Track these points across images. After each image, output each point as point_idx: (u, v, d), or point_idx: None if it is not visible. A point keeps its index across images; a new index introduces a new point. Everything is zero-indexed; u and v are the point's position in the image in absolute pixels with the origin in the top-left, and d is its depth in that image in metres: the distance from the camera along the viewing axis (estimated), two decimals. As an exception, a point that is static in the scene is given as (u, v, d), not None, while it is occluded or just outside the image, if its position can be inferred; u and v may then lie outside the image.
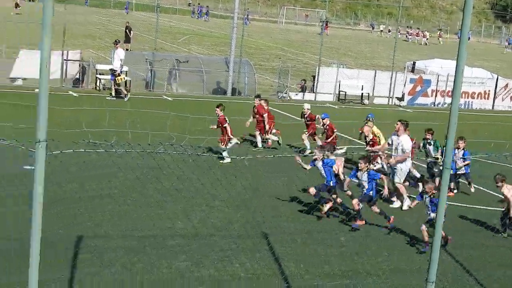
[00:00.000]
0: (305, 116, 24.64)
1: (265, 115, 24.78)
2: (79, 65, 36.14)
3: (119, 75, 32.99)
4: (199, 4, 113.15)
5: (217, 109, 22.53)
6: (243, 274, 13.84)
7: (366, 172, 17.20)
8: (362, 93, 40.87)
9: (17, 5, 78.86)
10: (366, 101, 40.67)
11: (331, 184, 17.61)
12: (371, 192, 17.26)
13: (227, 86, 38.34)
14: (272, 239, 15.76)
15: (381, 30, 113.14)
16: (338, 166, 17.85)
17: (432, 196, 15.88)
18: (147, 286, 12.93)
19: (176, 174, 19.14)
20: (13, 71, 35.07)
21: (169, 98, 34.25)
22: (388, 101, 42.06)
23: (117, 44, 34.06)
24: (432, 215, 15.61)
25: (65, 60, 35.11)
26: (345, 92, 40.62)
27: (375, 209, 17.41)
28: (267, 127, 24.72)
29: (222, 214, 17.34)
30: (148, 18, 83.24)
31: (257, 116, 24.86)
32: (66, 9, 77.00)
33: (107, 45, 50.83)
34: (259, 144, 24.91)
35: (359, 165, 17.32)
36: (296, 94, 40.28)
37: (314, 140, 24.36)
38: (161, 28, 46.21)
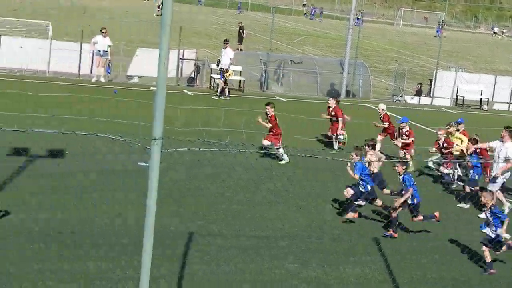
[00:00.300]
0: (380, 117, 23.79)
1: (340, 119, 24.06)
2: (194, 64, 36.56)
3: (227, 71, 33.07)
4: (312, 5, 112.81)
5: (268, 107, 22.10)
6: (353, 279, 13.59)
7: (402, 175, 16.32)
8: (481, 99, 39.69)
9: (159, 6, 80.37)
10: (485, 107, 39.48)
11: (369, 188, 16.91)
12: (415, 200, 16.29)
13: (341, 88, 37.98)
14: (383, 244, 15.40)
15: (495, 32, 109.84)
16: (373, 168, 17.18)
17: (492, 208, 14.53)
18: (259, 287, 12.85)
19: (286, 175, 19.06)
20: (130, 69, 35.82)
21: (283, 99, 34.18)
22: (509, 107, 40.70)
23: (226, 43, 34.25)
24: (498, 230, 14.44)
25: (180, 59, 35.58)
26: (463, 97, 39.54)
27: (419, 217, 16.42)
28: (339, 129, 24.11)
29: (331, 216, 17.10)
30: (264, 19, 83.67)
31: (333, 117, 24.24)
32: (181, 9, 78.12)
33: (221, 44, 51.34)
34: (335, 146, 24.29)
35: (397, 168, 16.45)
36: (412, 98, 39.52)
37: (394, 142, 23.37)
38: (276, 29, 46.33)
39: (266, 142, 21.58)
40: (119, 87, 32.16)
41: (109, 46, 33.53)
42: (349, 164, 16.73)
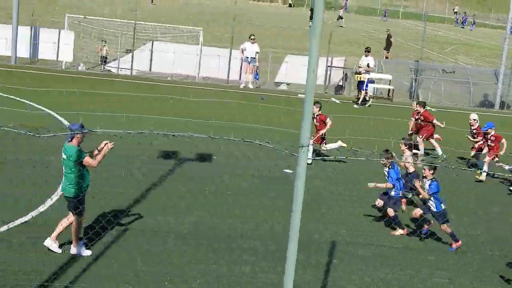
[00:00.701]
0: (472, 128, 22.35)
1: (435, 120, 22.95)
2: (343, 72, 36.37)
3: (360, 73, 32.69)
4: (464, 13, 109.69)
5: (316, 106, 21.06)
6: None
7: (429, 180, 15.30)
8: None
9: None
10: None
11: (393, 194, 16.08)
12: (442, 206, 15.30)
13: (494, 99, 36.72)
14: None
15: None
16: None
17: None
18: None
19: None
20: (278, 76, 36.06)
21: (433, 109, 33.39)
22: None
23: (368, 51, 33.92)
24: None
25: (328, 66, 35.48)
26: None
27: (445, 228, 15.37)
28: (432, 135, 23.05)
29: (480, 231, 16.49)
30: (415, 27, 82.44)
31: (423, 122, 23.21)
32: (340, 19, 77.76)
33: (372, 53, 50.81)
34: (421, 151, 22.99)
35: (424, 172, 15.48)
36: None
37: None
38: (428, 37, 45.40)
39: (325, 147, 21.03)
40: (267, 93, 32.42)
41: (257, 52, 33.88)
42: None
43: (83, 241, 13.14)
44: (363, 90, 32.51)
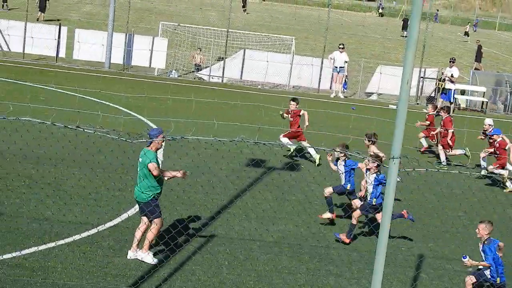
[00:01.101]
0: (486, 133, 21.43)
1: (450, 131, 22.16)
2: (436, 83, 35.81)
3: (443, 80, 32.19)
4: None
5: (294, 102, 20.69)
6: None
7: (374, 174, 14.74)
8: None
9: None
10: None
11: (348, 188, 15.76)
12: (374, 200, 14.75)
13: None
14: None
15: None
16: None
17: (486, 242, 12.35)
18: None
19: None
20: (369, 86, 35.75)
21: (528, 123, 32.54)
22: None
23: (452, 62, 33.38)
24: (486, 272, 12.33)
25: (421, 77, 35.01)
26: None
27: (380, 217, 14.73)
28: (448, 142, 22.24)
29: None
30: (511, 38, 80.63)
31: (442, 128, 22.44)
32: (466, 35, 76.52)
33: (466, 64, 49.94)
34: (442, 159, 22.09)
35: (367, 164, 14.90)
36: None
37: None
38: (524, 49, 44.22)
39: (305, 144, 20.55)
40: (357, 103, 32.19)
41: (345, 62, 33.72)
42: (329, 158, 16.18)
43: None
44: (444, 100, 32.00)
